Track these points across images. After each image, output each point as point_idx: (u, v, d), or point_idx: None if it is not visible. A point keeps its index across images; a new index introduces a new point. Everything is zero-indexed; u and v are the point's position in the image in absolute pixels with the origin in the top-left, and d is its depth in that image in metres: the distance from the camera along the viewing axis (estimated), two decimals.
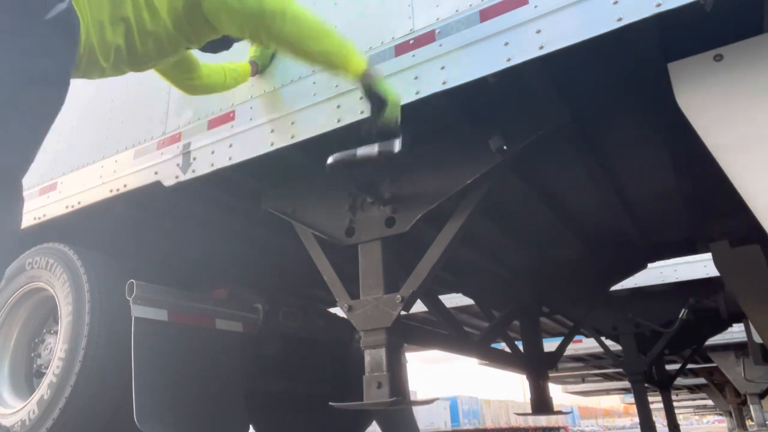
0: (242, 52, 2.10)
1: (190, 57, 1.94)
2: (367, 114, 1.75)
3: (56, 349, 2.41)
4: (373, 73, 1.63)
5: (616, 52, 1.66)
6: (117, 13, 1.54)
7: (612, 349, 4.67)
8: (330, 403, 1.99)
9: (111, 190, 2.33)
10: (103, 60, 1.58)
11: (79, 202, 2.46)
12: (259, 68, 2.07)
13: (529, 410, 3.65)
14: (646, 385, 4.48)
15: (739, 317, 4.68)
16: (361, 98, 1.77)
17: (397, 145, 1.68)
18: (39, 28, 1.32)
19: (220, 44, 1.84)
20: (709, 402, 17.54)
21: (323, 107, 1.84)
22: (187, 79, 1.97)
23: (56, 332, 2.53)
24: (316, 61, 1.67)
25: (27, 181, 2.90)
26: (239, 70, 2.03)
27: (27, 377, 2.72)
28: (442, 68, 1.63)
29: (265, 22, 1.59)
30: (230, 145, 2.02)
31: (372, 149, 1.72)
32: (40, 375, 2.60)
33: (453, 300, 5.15)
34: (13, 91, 1.28)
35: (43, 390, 2.35)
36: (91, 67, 1.58)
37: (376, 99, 1.61)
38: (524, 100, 1.83)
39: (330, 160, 1.78)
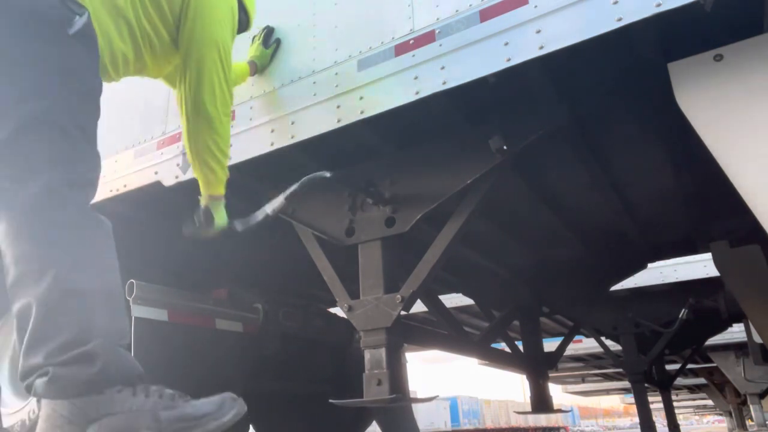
0: (242, 52, 2.10)
1: None
2: (366, 115, 1.75)
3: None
4: (219, 200, 1.84)
5: (616, 52, 1.66)
6: (121, 20, 1.54)
7: (612, 349, 4.67)
8: (330, 401, 1.99)
9: (111, 190, 2.33)
10: (112, 71, 1.59)
11: None
12: (258, 68, 2.07)
13: (529, 410, 3.65)
14: (646, 385, 4.48)
15: (739, 317, 4.67)
16: (361, 98, 1.77)
17: (242, 225, 1.95)
18: (68, 44, 1.31)
19: None
20: (709, 402, 17.55)
21: (323, 107, 1.84)
22: None
23: None
24: (199, 160, 1.76)
25: None
26: (237, 70, 2.03)
27: None
28: (442, 68, 1.63)
29: (193, 113, 1.70)
30: (230, 145, 2.02)
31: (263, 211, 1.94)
32: None
33: (453, 300, 5.15)
34: (75, 109, 1.30)
35: None
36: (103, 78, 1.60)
37: (208, 221, 1.82)
38: (524, 100, 1.83)
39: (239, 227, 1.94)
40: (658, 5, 1.33)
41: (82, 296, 1.13)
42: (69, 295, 1.12)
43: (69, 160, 1.23)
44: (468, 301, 4.52)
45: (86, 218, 1.24)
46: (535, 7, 1.51)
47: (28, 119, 1.20)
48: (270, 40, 2.08)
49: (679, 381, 11.56)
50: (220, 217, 1.85)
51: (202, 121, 1.70)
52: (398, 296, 1.86)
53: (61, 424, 1.05)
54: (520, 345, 3.71)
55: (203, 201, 1.83)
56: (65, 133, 1.24)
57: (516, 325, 3.84)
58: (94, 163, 1.33)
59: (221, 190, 1.84)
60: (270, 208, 1.93)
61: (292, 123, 1.90)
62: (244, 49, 2.09)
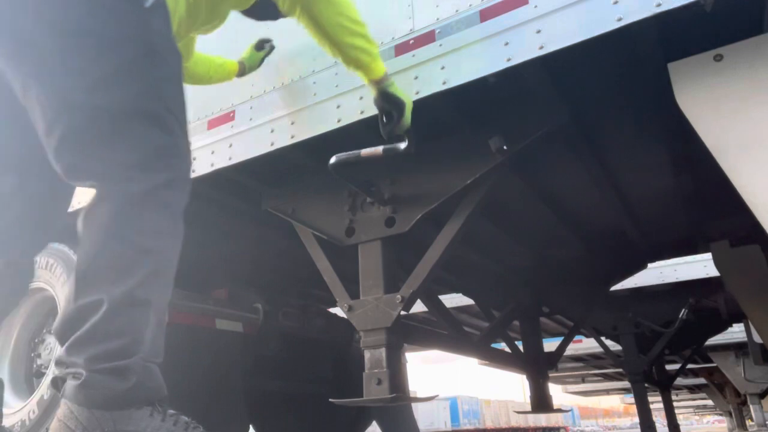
0: (234, 52, 2.10)
1: (193, 40, 1.88)
2: (366, 115, 1.75)
3: (56, 349, 2.41)
4: (390, 78, 1.61)
5: (616, 52, 1.66)
6: None
7: (612, 349, 4.67)
8: (330, 400, 2.00)
9: None
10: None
11: (79, 203, 2.46)
12: (246, 70, 2.04)
13: (529, 410, 3.65)
14: (646, 385, 4.48)
15: (739, 317, 4.68)
16: (361, 98, 1.77)
17: (402, 144, 1.68)
18: (145, 19, 1.17)
19: (266, 12, 1.68)
20: (709, 402, 17.55)
21: (323, 107, 1.84)
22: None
23: None
24: (342, 52, 1.57)
25: None
26: (226, 67, 2.00)
27: (27, 377, 2.72)
28: (442, 68, 1.64)
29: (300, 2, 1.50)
30: (230, 145, 2.02)
31: (377, 149, 1.72)
32: (40, 375, 2.60)
33: (453, 300, 5.15)
34: (165, 94, 1.18)
35: (43, 390, 2.36)
36: None
37: (394, 104, 1.59)
38: (524, 100, 1.83)
39: (333, 160, 1.77)
40: (658, 5, 1.33)
41: (147, 308, 1.10)
42: (138, 305, 1.09)
43: (166, 154, 1.13)
44: (468, 301, 4.52)
45: (176, 225, 1.17)
46: (535, 7, 1.51)
47: (116, 110, 1.09)
48: (264, 45, 2.04)
49: (679, 381, 11.56)
50: (406, 97, 1.61)
51: (318, 3, 1.47)
52: (398, 296, 1.86)
53: (75, 428, 1.02)
54: (520, 345, 3.71)
55: (373, 91, 1.61)
56: (159, 122, 1.13)
57: (516, 325, 3.84)
58: (189, 156, 1.22)
59: (381, 68, 1.58)
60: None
61: (292, 123, 1.90)
62: (235, 49, 2.08)
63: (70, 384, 1.05)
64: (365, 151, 1.73)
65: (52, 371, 2.37)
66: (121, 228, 1.09)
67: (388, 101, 1.59)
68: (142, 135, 1.11)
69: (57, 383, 1.10)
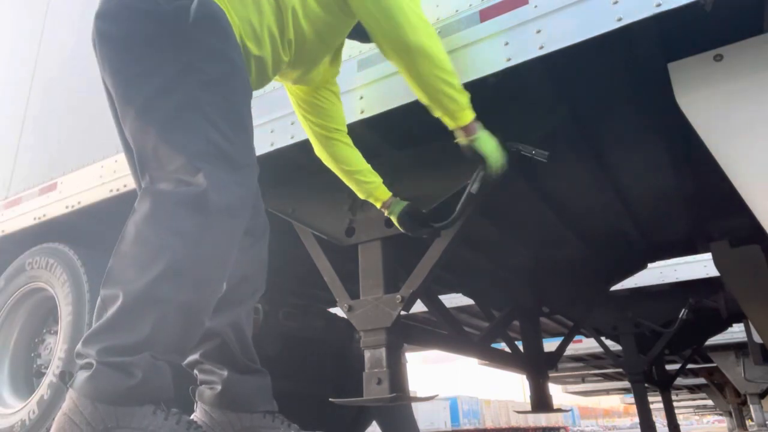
0: None
1: (333, 104, 1.74)
2: (366, 115, 1.75)
3: (56, 349, 2.41)
4: (477, 132, 1.55)
5: (616, 52, 1.66)
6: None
7: (612, 349, 4.67)
8: (330, 399, 2.00)
9: (111, 190, 2.33)
10: (272, 69, 1.46)
11: (79, 202, 2.47)
12: (387, 213, 1.86)
13: (529, 410, 3.65)
14: (646, 385, 4.48)
15: (739, 317, 4.67)
16: (361, 98, 1.77)
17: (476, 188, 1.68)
18: (185, 35, 1.23)
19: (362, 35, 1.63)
20: (709, 402, 17.54)
21: None
22: (323, 129, 1.73)
23: (56, 332, 2.53)
24: (433, 99, 1.52)
25: (27, 181, 2.91)
26: (371, 179, 1.82)
27: (27, 377, 2.72)
28: None
29: (401, 56, 1.45)
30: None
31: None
32: (40, 375, 2.60)
33: (453, 300, 5.15)
34: (202, 101, 1.23)
35: (43, 390, 2.36)
36: (260, 77, 1.46)
37: (478, 157, 1.57)
38: (524, 100, 1.83)
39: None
40: (658, 5, 1.33)
41: (164, 306, 1.10)
42: (153, 302, 1.10)
43: (202, 160, 1.17)
44: (468, 301, 4.52)
45: (207, 230, 1.16)
46: (535, 7, 1.51)
47: (160, 123, 1.19)
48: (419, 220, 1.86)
49: (679, 381, 11.57)
50: (493, 147, 1.56)
51: (417, 58, 1.42)
52: (398, 296, 1.86)
53: (79, 422, 1.05)
54: (520, 345, 3.71)
55: (461, 140, 1.56)
56: (196, 130, 1.19)
57: (516, 325, 3.84)
58: (239, 164, 1.22)
59: (467, 117, 1.52)
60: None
61: (292, 123, 1.90)
62: None
63: (81, 374, 1.08)
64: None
65: (52, 370, 2.37)
66: (146, 226, 1.14)
67: (472, 154, 1.58)
68: (180, 142, 1.18)
69: (64, 376, 1.14)
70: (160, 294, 1.10)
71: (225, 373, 1.39)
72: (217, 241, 1.17)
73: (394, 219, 1.81)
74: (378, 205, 1.83)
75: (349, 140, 1.78)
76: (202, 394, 1.40)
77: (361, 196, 1.83)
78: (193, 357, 1.41)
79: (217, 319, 1.39)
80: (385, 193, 1.82)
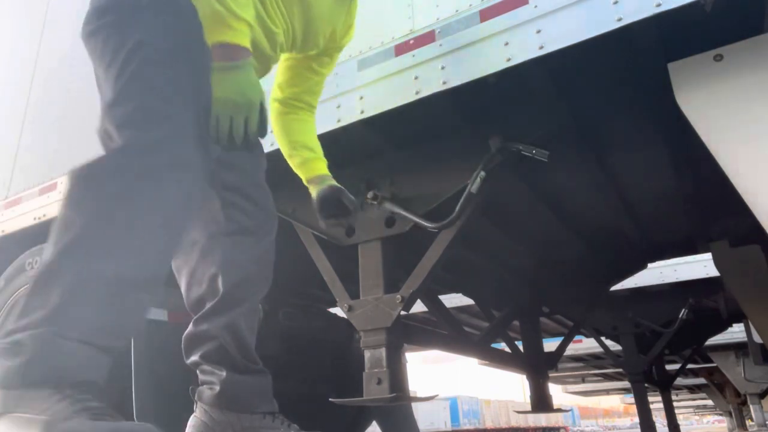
0: None
1: (320, 80, 1.73)
2: (366, 115, 1.75)
3: None
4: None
5: (616, 52, 1.66)
6: None
7: (612, 349, 4.67)
8: (330, 400, 2.00)
9: None
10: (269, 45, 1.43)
11: None
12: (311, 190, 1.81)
13: (529, 410, 3.65)
14: (646, 385, 4.48)
15: (739, 317, 4.68)
16: (361, 98, 1.77)
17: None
18: (137, 17, 1.23)
19: None
20: (709, 402, 17.54)
21: (323, 107, 1.84)
22: (295, 101, 1.72)
23: None
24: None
25: (27, 181, 2.91)
26: (312, 155, 1.76)
27: None
28: (442, 68, 1.64)
29: None
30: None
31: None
32: None
33: (453, 300, 5.15)
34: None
35: None
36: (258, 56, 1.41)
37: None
38: (524, 100, 1.83)
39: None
40: (658, 5, 1.33)
41: (61, 279, 1.02)
42: (52, 277, 1.02)
43: (123, 141, 1.14)
44: (468, 301, 4.52)
45: (112, 207, 1.09)
46: (535, 7, 1.51)
47: (105, 97, 1.24)
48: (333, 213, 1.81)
49: (679, 381, 11.57)
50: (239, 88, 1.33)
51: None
52: (398, 296, 1.86)
53: None
54: (520, 345, 3.71)
55: (314, 191, 1.70)
56: (130, 98, 1.18)
57: (516, 325, 3.84)
58: (156, 146, 1.14)
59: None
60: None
61: None
62: None
63: None
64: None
65: None
66: (63, 205, 1.10)
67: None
68: (115, 113, 1.19)
69: None
70: (64, 267, 1.03)
71: (223, 373, 1.38)
72: (134, 207, 1.09)
73: (314, 194, 1.74)
74: (306, 177, 1.76)
75: (311, 120, 1.75)
76: (202, 394, 1.40)
77: (295, 166, 1.77)
78: (194, 358, 1.42)
79: (214, 321, 1.39)
80: (320, 169, 1.74)
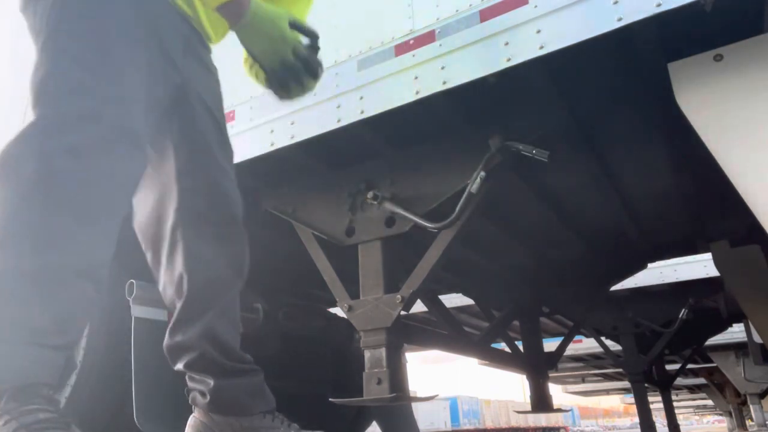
0: None
1: None
2: (366, 115, 1.75)
3: None
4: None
5: (616, 52, 1.66)
6: None
7: (612, 349, 4.67)
8: (330, 400, 2.00)
9: None
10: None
11: None
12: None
13: (529, 410, 3.65)
14: (646, 385, 4.48)
15: (739, 317, 4.68)
16: (361, 98, 1.77)
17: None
18: None
19: None
20: (709, 402, 17.54)
21: (323, 107, 1.84)
22: None
23: None
24: None
25: None
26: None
27: None
28: (442, 68, 1.64)
29: None
30: None
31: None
32: None
33: (453, 300, 5.15)
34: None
35: None
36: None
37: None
38: (524, 100, 1.83)
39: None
40: (658, 5, 1.33)
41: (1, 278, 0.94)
42: None
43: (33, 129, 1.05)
44: (468, 301, 4.52)
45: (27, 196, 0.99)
46: (535, 7, 1.51)
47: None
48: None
49: (679, 381, 11.57)
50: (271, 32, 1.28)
51: None
52: (398, 296, 1.86)
53: None
54: (520, 345, 3.71)
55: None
56: (54, 69, 1.09)
57: (516, 325, 3.84)
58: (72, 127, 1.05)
59: None
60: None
61: (292, 123, 1.90)
62: None
63: None
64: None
65: None
66: None
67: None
68: (38, 86, 1.10)
69: None
70: None
71: (211, 382, 1.31)
72: (60, 190, 1.00)
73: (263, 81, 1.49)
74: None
75: None
76: (195, 399, 1.36)
77: None
78: (179, 367, 1.35)
79: (188, 332, 1.30)
80: None
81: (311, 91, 1.42)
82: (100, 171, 1.05)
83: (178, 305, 1.32)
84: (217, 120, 1.41)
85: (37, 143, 1.02)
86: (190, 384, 1.37)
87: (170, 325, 1.34)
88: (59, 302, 0.98)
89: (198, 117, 1.35)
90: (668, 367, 5.80)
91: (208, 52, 1.49)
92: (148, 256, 1.40)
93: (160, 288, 1.38)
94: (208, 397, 1.31)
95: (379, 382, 1.79)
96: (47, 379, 0.95)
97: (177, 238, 1.32)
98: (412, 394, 1.98)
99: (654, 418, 4.88)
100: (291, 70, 1.31)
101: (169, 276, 1.34)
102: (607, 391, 16.32)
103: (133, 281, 2.22)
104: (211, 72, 1.46)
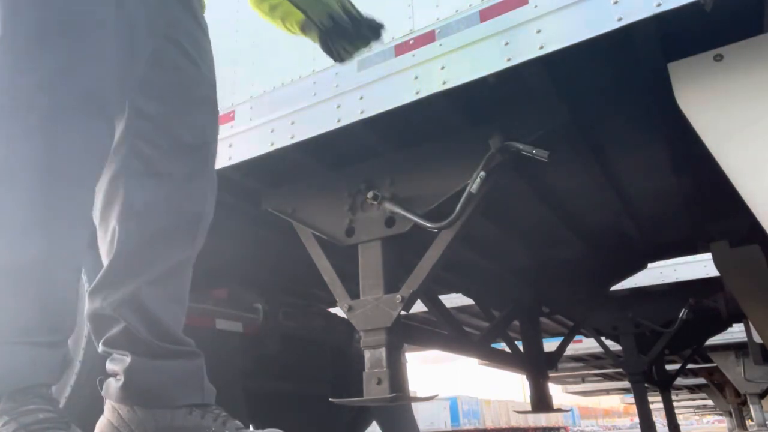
0: None
1: None
2: (366, 115, 1.75)
3: None
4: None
5: (616, 52, 1.66)
6: None
7: (612, 349, 4.67)
8: (330, 400, 2.00)
9: None
10: None
11: None
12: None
13: (529, 410, 3.66)
14: (646, 385, 4.48)
15: (739, 317, 4.68)
16: (361, 98, 1.77)
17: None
18: None
19: None
20: (709, 402, 17.54)
21: (323, 107, 1.84)
22: None
23: None
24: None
25: None
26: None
27: None
28: (442, 68, 1.64)
29: None
30: (230, 145, 2.02)
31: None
32: None
33: (453, 300, 5.15)
34: None
35: None
36: None
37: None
38: (524, 100, 1.83)
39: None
40: (658, 5, 1.33)
41: None
42: None
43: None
44: (468, 301, 4.52)
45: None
46: (535, 7, 1.51)
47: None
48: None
49: (679, 381, 11.56)
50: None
51: None
52: (398, 296, 1.86)
53: None
54: (520, 345, 3.71)
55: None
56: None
57: (516, 325, 3.84)
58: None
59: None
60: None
61: (292, 123, 1.90)
62: None
63: None
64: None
65: None
66: None
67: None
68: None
69: None
70: None
71: (128, 359, 1.08)
72: (21, 175, 0.91)
73: (314, 37, 1.46)
74: (296, 28, 1.46)
75: None
76: (108, 388, 1.12)
77: (268, 13, 1.48)
78: (101, 347, 1.14)
79: (109, 296, 1.10)
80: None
81: (367, 49, 1.42)
82: (66, 148, 0.94)
83: (105, 264, 1.14)
84: (198, 65, 1.27)
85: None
86: (108, 366, 1.14)
87: (90, 288, 1.13)
88: (44, 296, 0.91)
89: (172, 61, 1.21)
90: (668, 367, 5.79)
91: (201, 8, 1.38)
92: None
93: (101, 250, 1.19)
94: (122, 379, 1.08)
95: (379, 382, 1.79)
96: (45, 378, 0.91)
97: (118, 186, 1.14)
98: (412, 394, 1.98)
99: (654, 418, 4.87)
100: (339, 26, 1.31)
101: (103, 231, 1.17)
102: (607, 391, 16.32)
103: None
104: (201, 27, 1.34)
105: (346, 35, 1.39)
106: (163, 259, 1.14)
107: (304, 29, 1.42)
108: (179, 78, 1.22)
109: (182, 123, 1.21)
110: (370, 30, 1.39)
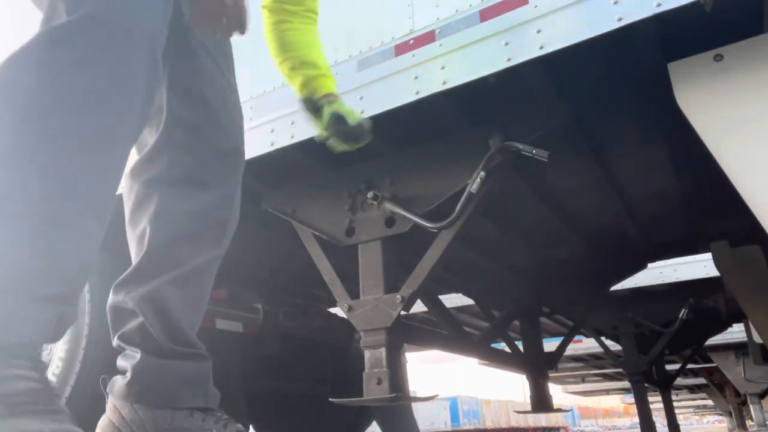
0: None
1: None
2: (366, 115, 1.75)
3: (56, 349, 2.41)
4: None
5: (616, 52, 1.66)
6: None
7: (612, 349, 4.67)
8: (330, 400, 2.00)
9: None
10: None
11: None
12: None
13: (529, 410, 3.66)
14: (646, 385, 4.48)
15: (739, 317, 4.68)
16: (361, 98, 1.77)
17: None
18: None
19: None
20: (709, 402, 17.54)
21: None
22: (291, 5, 1.55)
23: None
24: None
25: None
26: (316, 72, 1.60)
27: None
28: (442, 68, 1.64)
29: None
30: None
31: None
32: None
33: (453, 300, 5.15)
34: None
35: None
36: None
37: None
38: (524, 100, 1.83)
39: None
40: (658, 5, 1.33)
41: None
42: None
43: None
44: (468, 301, 4.52)
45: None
46: (535, 7, 1.51)
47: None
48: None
49: (679, 381, 11.57)
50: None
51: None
52: (398, 296, 1.86)
53: None
54: (520, 345, 3.71)
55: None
56: None
57: (516, 325, 3.84)
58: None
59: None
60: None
61: (292, 123, 1.90)
62: None
63: None
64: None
65: (52, 371, 2.37)
66: None
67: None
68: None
69: None
70: None
71: (138, 355, 1.07)
72: (58, 107, 0.83)
73: (326, 114, 1.53)
74: (309, 97, 1.55)
75: (312, 30, 1.58)
76: (113, 385, 1.11)
77: (296, 86, 1.58)
78: (115, 342, 1.13)
79: (133, 290, 1.09)
80: (326, 87, 1.55)
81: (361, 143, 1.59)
82: (112, 85, 0.87)
83: (135, 262, 1.13)
84: (224, 74, 1.31)
85: (37, 53, 0.84)
86: (119, 362, 1.12)
87: (115, 283, 1.12)
88: (57, 241, 0.81)
89: (197, 59, 1.23)
90: (668, 367, 5.79)
91: None
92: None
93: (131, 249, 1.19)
94: (129, 375, 1.07)
95: (379, 382, 1.79)
96: (35, 336, 0.79)
97: (152, 191, 1.15)
98: (412, 394, 1.98)
99: (654, 418, 4.87)
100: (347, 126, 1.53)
101: (131, 232, 1.16)
102: (607, 391, 16.32)
103: None
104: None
105: (347, 133, 1.54)
106: (190, 260, 1.16)
107: (320, 101, 1.55)
108: (215, 86, 1.24)
109: (218, 131, 1.23)
110: (365, 134, 1.56)
